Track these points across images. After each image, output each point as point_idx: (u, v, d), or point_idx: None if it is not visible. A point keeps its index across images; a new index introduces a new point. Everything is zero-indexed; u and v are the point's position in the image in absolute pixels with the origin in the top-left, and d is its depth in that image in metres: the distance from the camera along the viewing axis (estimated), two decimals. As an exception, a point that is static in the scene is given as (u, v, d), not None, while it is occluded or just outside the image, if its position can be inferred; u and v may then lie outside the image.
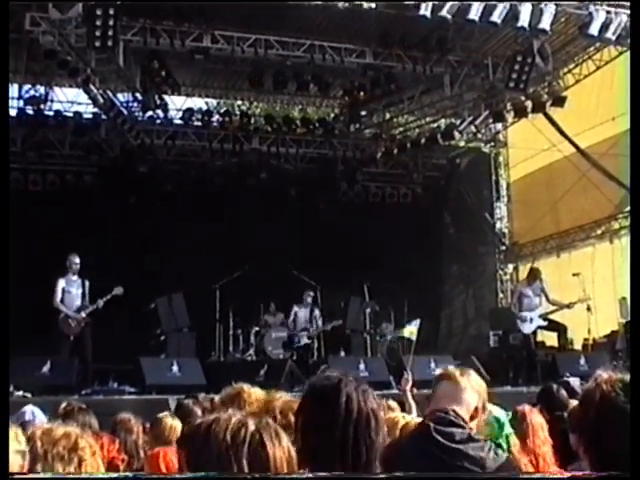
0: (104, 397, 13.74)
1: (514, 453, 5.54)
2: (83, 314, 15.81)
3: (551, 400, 7.81)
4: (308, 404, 3.49)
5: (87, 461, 3.25)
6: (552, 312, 17.50)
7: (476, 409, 4.80)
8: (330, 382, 3.43)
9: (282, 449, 2.80)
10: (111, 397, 13.66)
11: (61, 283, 15.97)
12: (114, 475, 1.97)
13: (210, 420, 2.87)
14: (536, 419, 6.24)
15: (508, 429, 5.67)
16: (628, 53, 18.47)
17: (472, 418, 4.66)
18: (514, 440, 5.65)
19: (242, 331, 19.32)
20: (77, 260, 16.08)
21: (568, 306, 17.50)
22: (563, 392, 8.14)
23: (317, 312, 19.21)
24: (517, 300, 17.72)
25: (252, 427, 2.81)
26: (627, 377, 3.09)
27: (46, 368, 14.39)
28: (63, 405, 6.91)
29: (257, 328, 19.31)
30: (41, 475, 2.03)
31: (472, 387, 4.84)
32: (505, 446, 5.54)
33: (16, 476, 2.00)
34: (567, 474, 3.72)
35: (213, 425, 2.82)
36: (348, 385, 3.39)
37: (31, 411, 7.78)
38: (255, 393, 5.54)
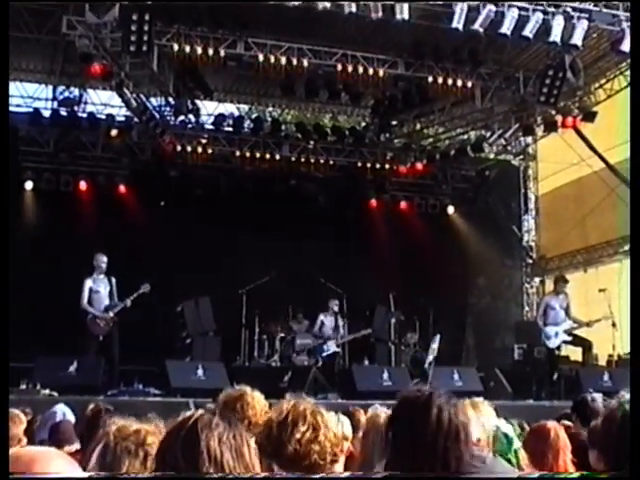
0: (129, 398, 13.86)
1: (523, 467, 5.65)
2: (111, 314, 15.97)
3: (586, 411, 7.78)
4: (400, 415, 3.62)
5: (153, 456, 3.39)
6: (574, 329, 17.54)
7: (478, 440, 4.95)
8: (422, 394, 3.56)
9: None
10: (136, 398, 13.75)
11: (88, 283, 16.07)
12: (119, 476, 2.08)
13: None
14: (562, 437, 6.23)
15: (517, 444, 5.73)
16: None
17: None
18: (522, 454, 5.72)
19: (267, 337, 19.41)
20: (104, 259, 16.19)
21: (588, 324, 17.55)
22: (598, 403, 8.16)
23: (340, 320, 19.21)
24: (543, 312, 17.75)
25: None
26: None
27: (73, 368, 14.50)
28: (91, 406, 7.00)
29: (282, 334, 19.39)
30: (43, 475, 2.14)
31: (478, 420, 5.07)
32: (515, 461, 5.63)
33: (16, 476, 2.12)
34: (566, 474, 3.77)
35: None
36: (440, 397, 3.52)
37: (62, 412, 7.90)
38: (258, 398, 5.62)
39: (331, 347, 18.97)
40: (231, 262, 20.15)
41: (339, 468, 5.65)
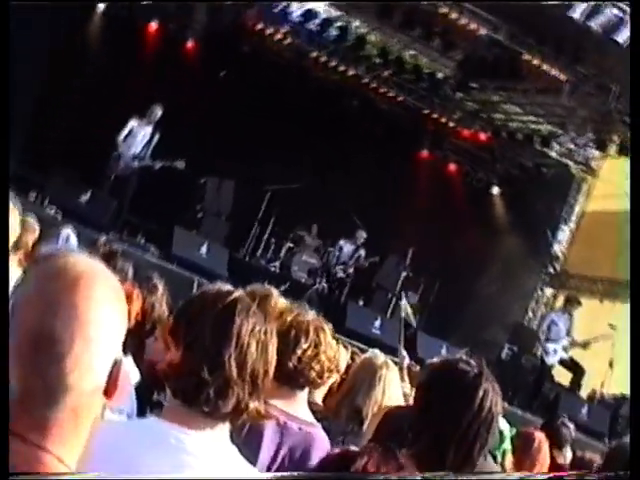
0: (128, 248, 13.55)
1: (506, 468, 5.69)
2: (136, 163, 15.74)
3: (556, 435, 7.63)
4: (443, 384, 3.41)
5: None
6: (569, 348, 17.29)
7: None
8: (472, 371, 3.32)
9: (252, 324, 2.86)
10: (135, 251, 13.46)
11: (132, 123, 15.93)
12: (113, 476, 1.88)
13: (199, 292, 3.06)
14: (545, 450, 6.34)
15: (507, 444, 5.83)
16: None
17: None
18: (509, 457, 5.83)
19: (276, 241, 19.33)
20: (159, 112, 16.09)
21: (584, 346, 17.30)
22: (569, 431, 8.09)
23: (362, 253, 19.16)
24: (547, 327, 17.58)
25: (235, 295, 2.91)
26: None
27: (85, 198, 14.37)
28: (102, 244, 6.61)
29: (291, 244, 19.26)
30: (40, 476, 1.80)
31: None
32: (500, 459, 5.70)
33: (16, 476, 1.77)
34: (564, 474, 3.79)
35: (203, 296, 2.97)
36: (488, 380, 3.31)
37: (67, 234, 7.56)
38: (281, 302, 5.29)
39: (338, 272, 19.02)
40: (268, 156, 19.75)
41: (319, 395, 5.44)
